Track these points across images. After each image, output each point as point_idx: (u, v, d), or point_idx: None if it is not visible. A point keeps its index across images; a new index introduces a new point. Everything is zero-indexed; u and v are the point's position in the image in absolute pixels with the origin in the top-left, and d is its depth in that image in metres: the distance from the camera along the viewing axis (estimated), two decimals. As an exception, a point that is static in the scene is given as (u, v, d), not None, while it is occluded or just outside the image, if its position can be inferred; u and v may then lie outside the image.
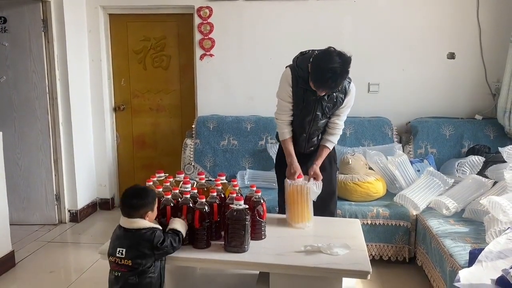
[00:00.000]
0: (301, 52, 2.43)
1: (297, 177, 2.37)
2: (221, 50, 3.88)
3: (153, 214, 1.92)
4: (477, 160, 3.13)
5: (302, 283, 1.92)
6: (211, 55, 3.91)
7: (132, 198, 1.87)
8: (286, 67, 2.44)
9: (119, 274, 1.83)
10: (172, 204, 2.03)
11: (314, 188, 2.40)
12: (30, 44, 3.64)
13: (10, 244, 3.10)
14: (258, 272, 2.17)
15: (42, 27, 3.63)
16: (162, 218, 2.02)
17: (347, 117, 3.57)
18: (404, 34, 3.71)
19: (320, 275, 1.89)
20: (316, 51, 2.33)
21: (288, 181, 2.34)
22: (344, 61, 2.17)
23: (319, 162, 2.47)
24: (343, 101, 2.41)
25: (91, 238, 3.64)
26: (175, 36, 4.08)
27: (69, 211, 3.93)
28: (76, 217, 3.93)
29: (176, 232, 1.92)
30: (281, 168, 2.58)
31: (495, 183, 2.83)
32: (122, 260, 1.81)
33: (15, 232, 3.31)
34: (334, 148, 2.63)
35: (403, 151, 3.48)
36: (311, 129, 2.48)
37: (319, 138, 2.55)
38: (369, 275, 1.85)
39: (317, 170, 2.45)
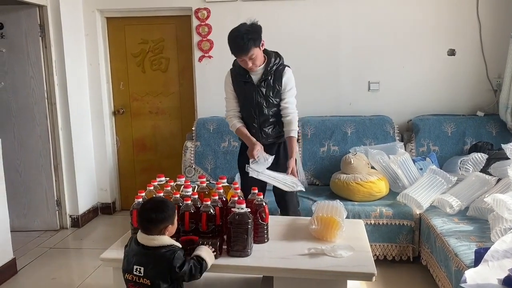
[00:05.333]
0: None
1: (256, 150, 2.47)
2: (219, 51, 3.86)
3: (173, 227, 1.79)
4: (480, 157, 3.10)
5: (306, 287, 1.90)
6: (209, 56, 3.89)
7: (151, 213, 1.72)
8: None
9: None
10: (192, 210, 1.95)
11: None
12: (27, 50, 3.62)
13: (12, 252, 3.09)
14: (261, 276, 2.15)
15: (39, 32, 3.61)
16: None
17: (347, 116, 3.60)
18: (403, 31, 3.68)
19: (325, 278, 1.87)
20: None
21: (319, 202, 2.36)
22: (250, 25, 2.44)
23: (292, 154, 2.57)
24: (281, 85, 2.56)
25: (93, 243, 3.62)
26: (173, 39, 4.06)
27: (70, 216, 3.91)
28: (78, 222, 3.91)
29: (199, 260, 1.76)
30: (242, 157, 2.71)
31: (498, 180, 2.80)
32: (141, 279, 1.69)
33: (16, 239, 3.30)
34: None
35: (405, 150, 3.45)
36: (259, 118, 2.60)
37: (274, 129, 2.64)
38: (374, 277, 1.83)
39: (292, 163, 2.56)
